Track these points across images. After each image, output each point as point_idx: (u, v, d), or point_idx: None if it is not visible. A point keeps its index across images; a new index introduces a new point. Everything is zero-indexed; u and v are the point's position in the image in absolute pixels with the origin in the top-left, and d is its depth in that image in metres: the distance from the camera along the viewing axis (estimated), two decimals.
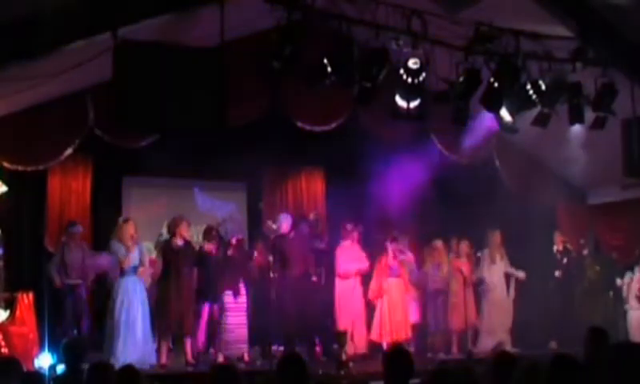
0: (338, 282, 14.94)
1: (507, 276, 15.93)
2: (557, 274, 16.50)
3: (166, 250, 13.20)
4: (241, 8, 10.60)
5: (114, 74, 9.62)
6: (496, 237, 15.83)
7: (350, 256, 14.97)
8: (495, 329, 15.59)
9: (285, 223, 14.41)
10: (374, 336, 14.97)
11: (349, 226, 15.07)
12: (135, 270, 12.91)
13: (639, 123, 12.79)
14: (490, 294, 15.83)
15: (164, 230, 13.92)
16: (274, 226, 14.52)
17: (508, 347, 14.68)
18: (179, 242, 13.16)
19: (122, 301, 12.66)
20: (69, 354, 7.93)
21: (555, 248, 16.82)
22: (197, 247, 13.63)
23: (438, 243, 15.84)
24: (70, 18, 9.58)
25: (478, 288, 15.90)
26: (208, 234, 13.77)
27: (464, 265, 15.65)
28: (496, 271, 15.79)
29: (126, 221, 13.18)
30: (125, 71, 9.60)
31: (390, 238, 15.14)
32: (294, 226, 14.51)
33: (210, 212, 15.93)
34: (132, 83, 9.64)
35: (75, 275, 13.24)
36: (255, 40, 12.19)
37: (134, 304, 12.72)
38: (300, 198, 17.43)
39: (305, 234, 14.52)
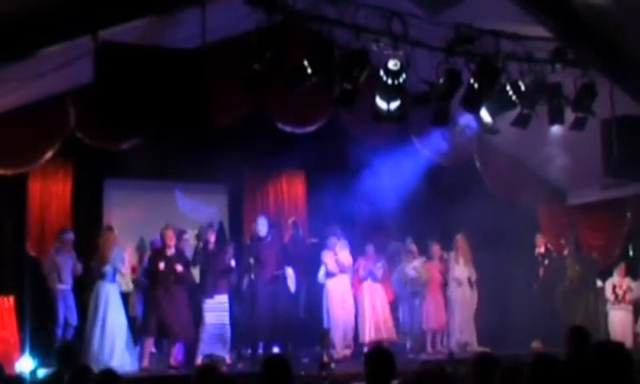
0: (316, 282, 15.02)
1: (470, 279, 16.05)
2: (539, 274, 16.61)
3: (156, 258, 13.18)
4: (222, 10, 10.60)
5: (95, 76, 9.58)
6: (461, 241, 15.94)
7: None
8: (458, 330, 15.71)
9: (263, 227, 14.42)
10: (360, 338, 15.03)
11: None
12: (114, 275, 12.98)
13: (619, 123, 12.82)
14: (453, 295, 15.93)
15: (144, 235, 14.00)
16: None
17: (474, 346, 14.91)
18: (168, 251, 13.17)
19: (104, 306, 12.72)
20: (64, 357, 7.90)
21: (537, 250, 16.91)
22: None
23: (413, 246, 15.92)
24: (50, 20, 9.54)
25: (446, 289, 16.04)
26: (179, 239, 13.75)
27: (438, 267, 15.77)
28: (459, 274, 15.88)
29: (109, 226, 13.61)
30: (106, 74, 9.55)
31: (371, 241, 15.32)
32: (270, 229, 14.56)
33: (192, 214, 15.93)
34: (113, 86, 9.59)
35: (66, 280, 13.31)
36: (237, 42, 12.16)
37: (116, 309, 12.80)
38: (281, 201, 17.43)
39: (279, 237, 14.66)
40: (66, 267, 13.33)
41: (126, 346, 12.89)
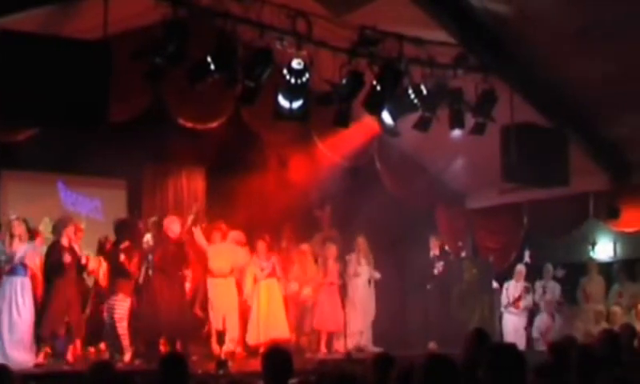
0: (210, 280, 14.95)
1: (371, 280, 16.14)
2: (435, 272, 16.79)
3: (54, 250, 12.97)
4: (125, 2, 10.47)
5: None
6: (361, 242, 16.02)
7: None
8: (356, 330, 15.76)
9: (175, 226, 14.31)
10: (250, 338, 14.95)
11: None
12: (25, 269, 12.67)
13: (517, 129, 13.05)
14: (356, 296, 15.99)
15: (41, 227, 13.76)
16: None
17: (369, 347, 15.04)
18: (65, 243, 12.97)
19: (8, 300, 12.46)
20: None
21: (432, 253, 17.09)
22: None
23: (306, 246, 15.98)
24: None
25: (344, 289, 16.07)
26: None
27: (331, 268, 15.81)
28: (360, 275, 15.98)
29: (12, 219, 13.02)
30: (3, 62, 9.38)
31: (263, 238, 15.31)
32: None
33: (74, 207, 15.77)
34: (11, 75, 9.42)
35: None
36: (139, 35, 12.01)
37: (19, 303, 12.50)
38: (180, 197, 17.29)
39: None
40: None
41: (28, 340, 12.62)
